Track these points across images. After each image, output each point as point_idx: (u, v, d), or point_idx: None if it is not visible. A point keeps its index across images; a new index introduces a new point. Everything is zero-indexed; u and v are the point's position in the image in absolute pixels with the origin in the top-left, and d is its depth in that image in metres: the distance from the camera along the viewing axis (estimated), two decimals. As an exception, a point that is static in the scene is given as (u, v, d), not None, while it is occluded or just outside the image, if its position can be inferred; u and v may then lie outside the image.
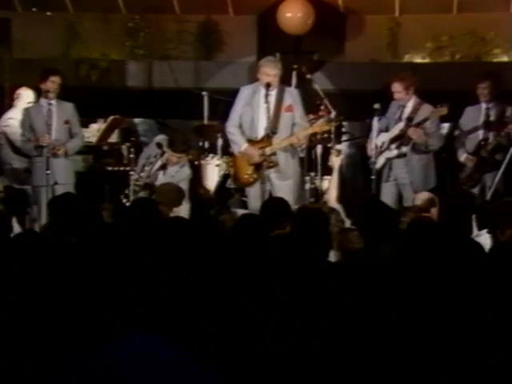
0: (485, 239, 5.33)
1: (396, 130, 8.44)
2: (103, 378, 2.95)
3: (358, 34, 11.54)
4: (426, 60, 11.40)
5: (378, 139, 8.49)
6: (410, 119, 8.38)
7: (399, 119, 8.48)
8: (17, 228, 7.51)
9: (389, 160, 8.44)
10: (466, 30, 11.06)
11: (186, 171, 8.70)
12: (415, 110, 8.41)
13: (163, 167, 8.51)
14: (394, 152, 8.43)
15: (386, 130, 8.55)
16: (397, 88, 8.44)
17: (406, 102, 8.46)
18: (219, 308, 3.67)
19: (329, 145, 9.79)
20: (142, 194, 8.41)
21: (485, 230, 5.53)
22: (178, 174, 8.59)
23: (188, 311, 3.60)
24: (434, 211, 6.76)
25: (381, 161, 8.47)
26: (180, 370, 2.98)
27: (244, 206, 8.69)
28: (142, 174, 8.57)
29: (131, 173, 8.73)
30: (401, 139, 8.39)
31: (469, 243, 4.72)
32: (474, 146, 8.54)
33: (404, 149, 8.39)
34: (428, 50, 11.32)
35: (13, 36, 10.95)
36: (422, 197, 7.13)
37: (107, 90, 11.35)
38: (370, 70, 11.08)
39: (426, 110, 8.37)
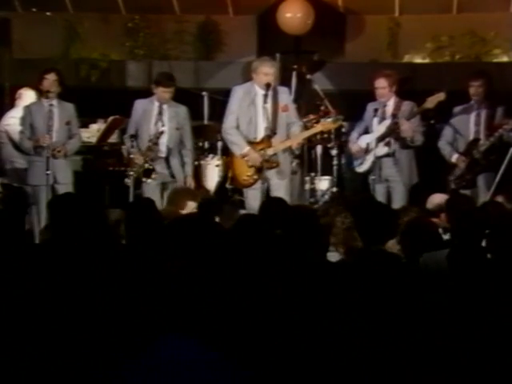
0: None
1: (382, 128, 8.42)
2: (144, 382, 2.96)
3: (358, 34, 11.54)
4: (426, 60, 11.40)
5: (360, 142, 8.51)
6: (394, 116, 8.40)
7: (383, 118, 8.47)
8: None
9: (378, 159, 8.40)
10: (465, 30, 11.06)
11: (183, 108, 8.54)
12: (397, 107, 8.43)
13: (159, 118, 8.41)
14: (384, 149, 8.41)
15: (367, 132, 8.55)
16: (382, 84, 8.42)
17: (386, 100, 8.44)
18: (218, 308, 3.67)
19: (329, 145, 9.81)
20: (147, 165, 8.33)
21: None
22: (179, 113, 8.44)
23: (187, 311, 3.60)
24: (443, 216, 6.67)
25: (368, 162, 8.46)
26: (213, 372, 2.98)
27: (243, 206, 8.69)
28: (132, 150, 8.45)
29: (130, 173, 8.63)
30: (389, 136, 8.39)
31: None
32: (464, 145, 8.48)
33: (393, 146, 8.39)
34: (428, 50, 11.32)
35: (13, 36, 10.96)
36: (435, 201, 7.04)
37: (107, 90, 11.35)
38: (370, 70, 11.03)
39: (408, 106, 8.39)
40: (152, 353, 2.99)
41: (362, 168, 8.55)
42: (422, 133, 8.49)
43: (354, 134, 8.66)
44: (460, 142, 8.50)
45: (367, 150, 8.47)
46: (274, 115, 8.07)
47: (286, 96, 8.31)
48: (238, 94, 8.20)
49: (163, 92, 8.36)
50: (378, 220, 4.81)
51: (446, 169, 8.60)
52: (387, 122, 8.40)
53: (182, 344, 3.02)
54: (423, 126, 8.57)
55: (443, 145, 8.58)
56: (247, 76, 8.64)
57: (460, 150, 8.47)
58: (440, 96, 8.16)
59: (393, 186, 8.39)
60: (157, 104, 8.42)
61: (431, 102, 8.21)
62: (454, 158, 8.47)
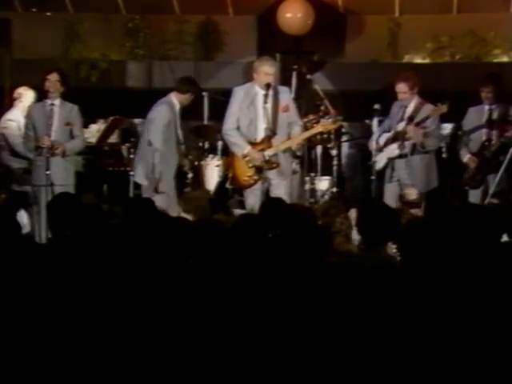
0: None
1: (398, 130, 8.45)
2: None
3: (358, 34, 11.54)
4: (426, 60, 11.40)
5: (380, 140, 8.49)
6: (411, 118, 8.39)
7: (401, 119, 8.48)
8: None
9: (391, 160, 8.43)
10: (465, 31, 11.06)
11: None
12: (417, 110, 8.41)
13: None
14: (396, 152, 8.42)
15: (389, 130, 8.55)
16: (402, 88, 8.40)
17: (408, 102, 8.45)
18: (218, 308, 3.67)
19: (329, 145, 9.80)
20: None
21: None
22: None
23: (187, 311, 3.60)
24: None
25: (382, 161, 8.46)
26: None
27: (243, 206, 8.69)
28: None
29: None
30: (397, 140, 8.40)
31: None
32: (477, 146, 8.52)
33: (406, 149, 8.39)
34: (428, 51, 11.32)
35: (13, 36, 10.94)
36: (414, 191, 7.23)
37: (107, 91, 11.35)
38: (370, 70, 11.08)
39: (427, 109, 8.37)
40: None
41: (377, 166, 8.52)
42: (439, 137, 8.52)
43: (378, 132, 8.58)
44: (473, 143, 8.54)
45: (381, 149, 8.47)
46: (274, 115, 8.06)
47: (286, 96, 8.29)
48: (238, 95, 8.19)
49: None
50: (378, 220, 4.81)
51: (456, 170, 8.66)
52: (403, 125, 8.41)
53: None
54: (442, 129, 8.61)
55: (459, 146, 8.65)
56: (247, 76, 8.65)
57: (473, 150, 8.52)
58: (442, 108, 8.20)
59: (404, 188, 8.38)
60: (178, 107, 8.62)
61: (434, 112, 8.25)
62: (466, 158, 8.53)
